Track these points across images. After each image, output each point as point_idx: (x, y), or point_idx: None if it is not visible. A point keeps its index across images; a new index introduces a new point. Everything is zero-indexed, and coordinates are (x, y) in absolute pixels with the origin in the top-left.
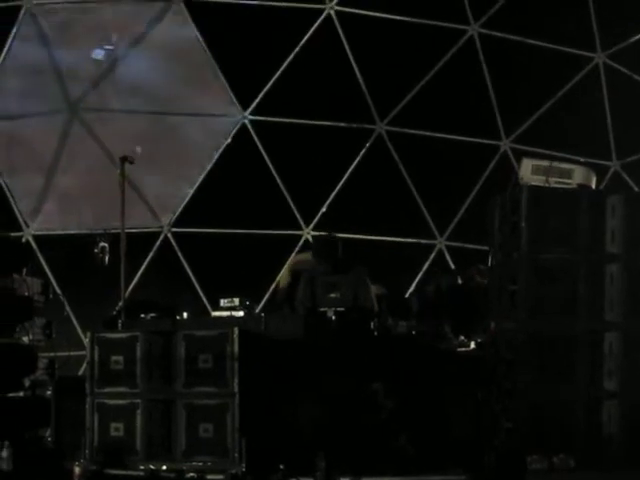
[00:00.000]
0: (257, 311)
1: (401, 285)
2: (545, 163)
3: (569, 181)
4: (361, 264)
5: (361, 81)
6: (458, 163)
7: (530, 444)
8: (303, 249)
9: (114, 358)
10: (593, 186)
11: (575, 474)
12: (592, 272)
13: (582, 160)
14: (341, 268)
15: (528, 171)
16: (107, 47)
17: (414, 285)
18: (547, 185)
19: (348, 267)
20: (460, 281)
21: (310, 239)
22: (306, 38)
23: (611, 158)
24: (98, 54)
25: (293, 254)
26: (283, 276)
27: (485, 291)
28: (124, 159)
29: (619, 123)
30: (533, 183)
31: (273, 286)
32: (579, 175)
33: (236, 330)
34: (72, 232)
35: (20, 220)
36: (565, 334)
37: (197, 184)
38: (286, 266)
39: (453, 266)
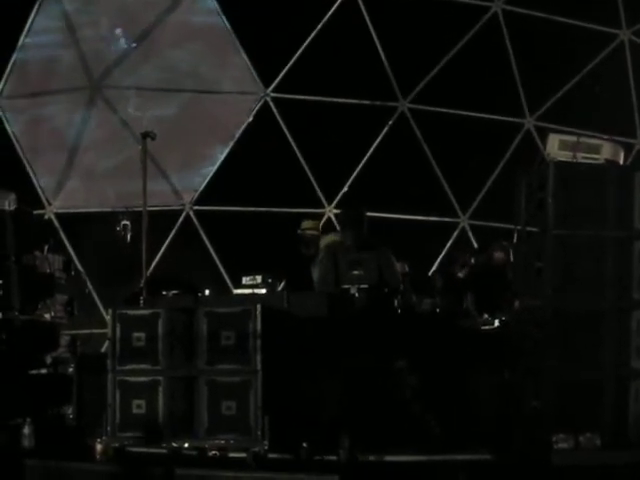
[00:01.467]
0: (279, 289)
1: (424, 263)
2: (572, 138)
3: (597, 156)
4: (385, 243)
5: (384, 58)
6: (481, 141)
7: (556, 423)
8: (326, 230)
9: (136, 335)
10: (621, 162)
11: (601, 453)
12: (620, 249)
13: (605, 137)
14: (366, 244)
15: (555, 147)
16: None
17: (437, 263)
18: (574, 161)
19: (373, 244)
20: (483, 259)
21: (332, 217)
22: (329, 15)
23: (636, 135)
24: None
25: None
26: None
27: (508, 268)
28: (145, 135)
29: None
30: (560, 159)
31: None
32: (607, 150)
33: (259, 307)
34: (94, 210)
35: (42, 198)
36: (592, 312)
37: (219, 162)
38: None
39: (476, 244)
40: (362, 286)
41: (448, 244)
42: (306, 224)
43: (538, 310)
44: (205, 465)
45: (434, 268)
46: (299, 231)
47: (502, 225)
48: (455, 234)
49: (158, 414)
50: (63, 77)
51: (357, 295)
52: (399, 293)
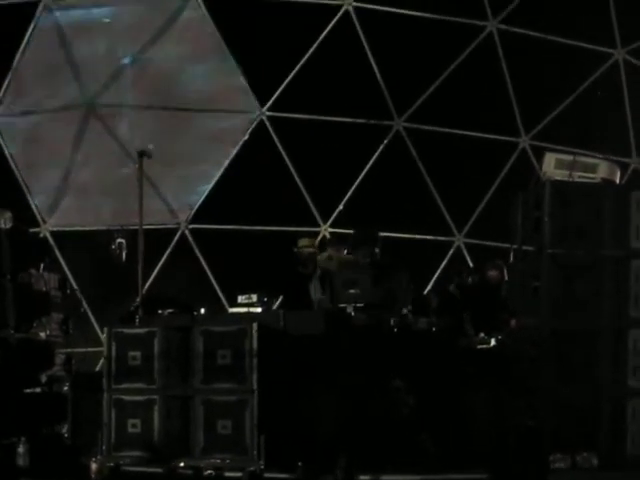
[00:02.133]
0: (275, 307)
1: (420, 282)
2: (569, 157)
3: (593, 175)
4: (404, 267)
5: (379, 77)
6: (476, 160)
7: (553, 442)
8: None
9: (131, 354)
10: (617, 181)
11: (598, 473)
12: (616, 268)
13: (601, 157)
14: (381, 263)
15: (551, 165)
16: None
17: (433, 282)
18: (571, 180)
19: (389, 263)
20: (478, 277)
21: (327, 235)
22: (324, 34)
23: (631, 155)
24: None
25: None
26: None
27: (503, 286)
28: (142, 153)
29: (639, 120)
30: (556, 178)
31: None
32: (603, 170)
33: (255, 325)
34: (89, 228)
35: (37, 216)
36: (589, 331)
37: (214, 180)
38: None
39: (471, 263)
40: (358, 305)
41: (443, 263)
42: (302, 242)
43: (535, 329)
44: None
45: (429, 287)
46: (295, 249)
47: (497, 244)
48: (450, 253)
49: (154, 433)
50: (58, 95)
51: (353, 314)
52: (396, 312)
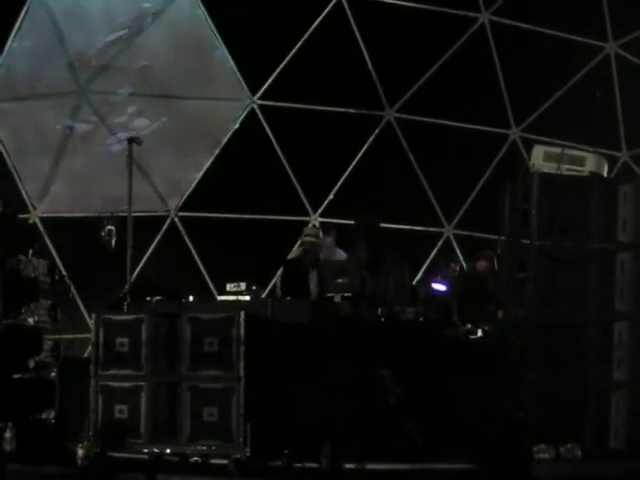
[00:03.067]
0: (263, 296)
1: (409, 272)
2: (557, 150)
3: (581, 168)
4: (397, 253)
5: (371, 67)
6: (467, 151)
7: (537, 433)
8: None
9: (119, 340)
10: (605, 174)
11: (582, 464)
12: (603, 261)
13: (590, 150)
14: (379, 254)
15: (540, 158)
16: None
17: (422, 272)
18: (559, 172)
19: (386, 255)
20: (467, 268)
21: (317, 225)
22: (316, 23)
23: (621, 148)
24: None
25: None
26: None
27: (492, 277)
28: (131, 140)
29: (629, 113)
30: (545, 170)
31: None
32: (591, 163)
33: (243, 313)
34: (79, 215)
35: (27, 202)
36: (575, 322)
37: (205, 168)
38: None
39: (460, 254)
40: (346, 294)
41: (432, 254)
42: (306, 231)
43: (521, 320)
44: (187, 471)
45: (418, 277)
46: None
47: (487, 235)
48: (440, 244)
49: (140, 419)
50: (49, 82)
51: (340, 303)
52: (381, 302)
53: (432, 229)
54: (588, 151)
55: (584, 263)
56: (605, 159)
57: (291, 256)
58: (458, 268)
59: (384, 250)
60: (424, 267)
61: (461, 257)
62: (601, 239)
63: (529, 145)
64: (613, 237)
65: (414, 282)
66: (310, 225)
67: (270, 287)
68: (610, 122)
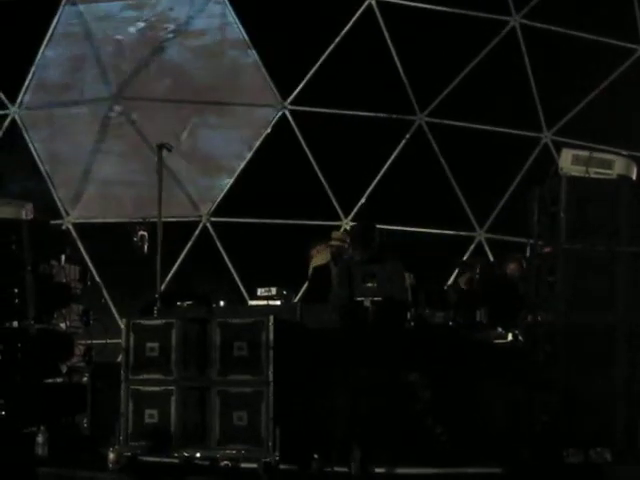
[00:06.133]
0: (295, 301)
1: (441, 276)
2: (585, 153)
3: (609, 172)
4: (396, 256)
5: (402, 72)
6: (499, 155)
7: (567, 437)
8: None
9: (149, 345)
10: (634, 177)
11: (612, 468)
12: (631, 264)
13: (624, 153)
14: (376, 257)
15: (568, 161)
16: None
17: (454, 277)
18: (587, 176)
19: (384, 257)
20: (498, 271)
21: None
22: (347, 28)
23: None
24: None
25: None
26: (320, 256)
27: (523, 281)
28: (161, 146)
29: None
30: (573, 173)
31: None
32: (619, 166)
33: (271, 318)
34: (112, 220)
35: (60, 208)
36: (604, 326)
37: (236, 174)
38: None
39: (492, 258)
40: (375, 299)
41: (465, 258)
42: (334, 234)
43: (550, 324)
44: (216, 475)
45: (450, 282)
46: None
47: (519, 239)
48: (472, 248)
49: (170, 424)
50: (81, 88)
51: (370, 307)
52: (412, 306)
53: (464, 233)
54: (617, 154)
55: (612, 266)
56: (634, 162)
57: (318, 263)
58: (478, 270)
59: (385, 254)
60: (456, 271)
61: (492, 260)
62: (629, 242)
63: (561, 148)
64: None
65: (445, 286)
66: (341, 230)
67: (302, 292)
68: None
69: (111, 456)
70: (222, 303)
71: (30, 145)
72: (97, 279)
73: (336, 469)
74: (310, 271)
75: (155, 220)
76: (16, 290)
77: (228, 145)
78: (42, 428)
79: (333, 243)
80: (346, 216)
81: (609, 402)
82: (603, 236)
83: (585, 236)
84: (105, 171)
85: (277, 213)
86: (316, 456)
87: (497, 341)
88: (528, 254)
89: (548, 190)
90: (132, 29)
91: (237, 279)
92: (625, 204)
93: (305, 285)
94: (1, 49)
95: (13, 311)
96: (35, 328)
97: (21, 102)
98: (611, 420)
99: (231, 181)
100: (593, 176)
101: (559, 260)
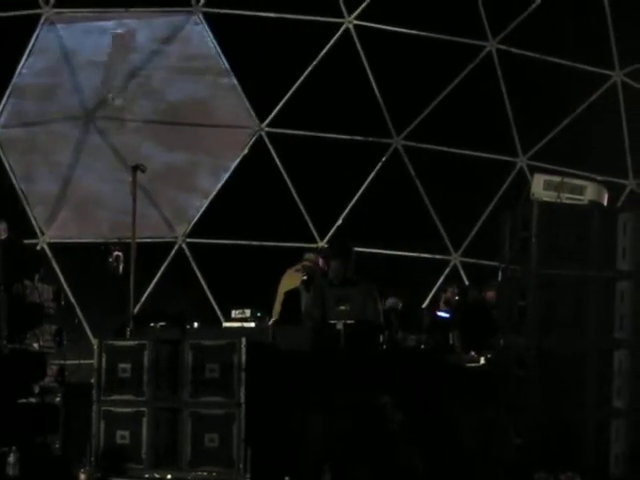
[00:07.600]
0: (269, 323)
1: (415, 300)
2: (557, 179)
3: (581, 197)
4: (370, 279)
5: (378, 95)
6: (474, 179)
7: (538, 460)
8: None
9: (121, 366)
10: (605, 203)
11: None
12: (602, 289)
13: (599, 178)
14: (350, 280)
15: (540, 186)
16: None
17: (428, 300)
18: (558, 201)
19: (357, 280)
20: (472, 296)
21: None
22: (324, 51)
23: (627, 177)
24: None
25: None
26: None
27: (494, 306)
28: (136, 167)
29: (636, 142)
30: (544, 199)
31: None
32: (591, 192)
33: (243, 340)
34: (87, 240)
35: (36, 227)
36: (574, 351)
37: (212, 195)
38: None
39: (467, 282)
40: (348, 322)
41: (439, 281)
42: (307, 256)
43: (521, 348)
44: None
45: (425, 305)
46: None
47: (494, 264)
48: (447, 271)
49: (142, 445)
50: (58, 107)
51: (342, 330)
52: (384, 329)
53: (439, 257)
54: (594, 179)
55: (584, 291)
56: (605, 188)
57: (287, 287)
58: (456, 292)
59: (359, 276)
60: (430, 295)
61: (467, 285)
62: (600, 267)
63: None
64: (612, 265)
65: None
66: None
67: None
68: (617, 150)
69: (82, 477)
70: (196, 324)
71: (5, 164)
72: (71, 299)
73: None
74: (279, 296)
75: (130, 240)
76: None
77: (204, 166)
78: (14, 448)
79: (306, 264)
80: (322, 238)
81: (579, 426)
82: (574, 261)
83: (556, 261)
84: (81, 191)
85: (253, 235)
86: (287, 478)
87: (469, 365)
88: (500, 278)
89: (520, 215)
90: (110, 50)
91: (212, 300)
92: (596, 230)
93: (274, 308)
94: None
95: None
96: (8, 348)
97: None
98: (582, 444)
99: (207, 202)
100: (565, 201)
101: (530, 285)
